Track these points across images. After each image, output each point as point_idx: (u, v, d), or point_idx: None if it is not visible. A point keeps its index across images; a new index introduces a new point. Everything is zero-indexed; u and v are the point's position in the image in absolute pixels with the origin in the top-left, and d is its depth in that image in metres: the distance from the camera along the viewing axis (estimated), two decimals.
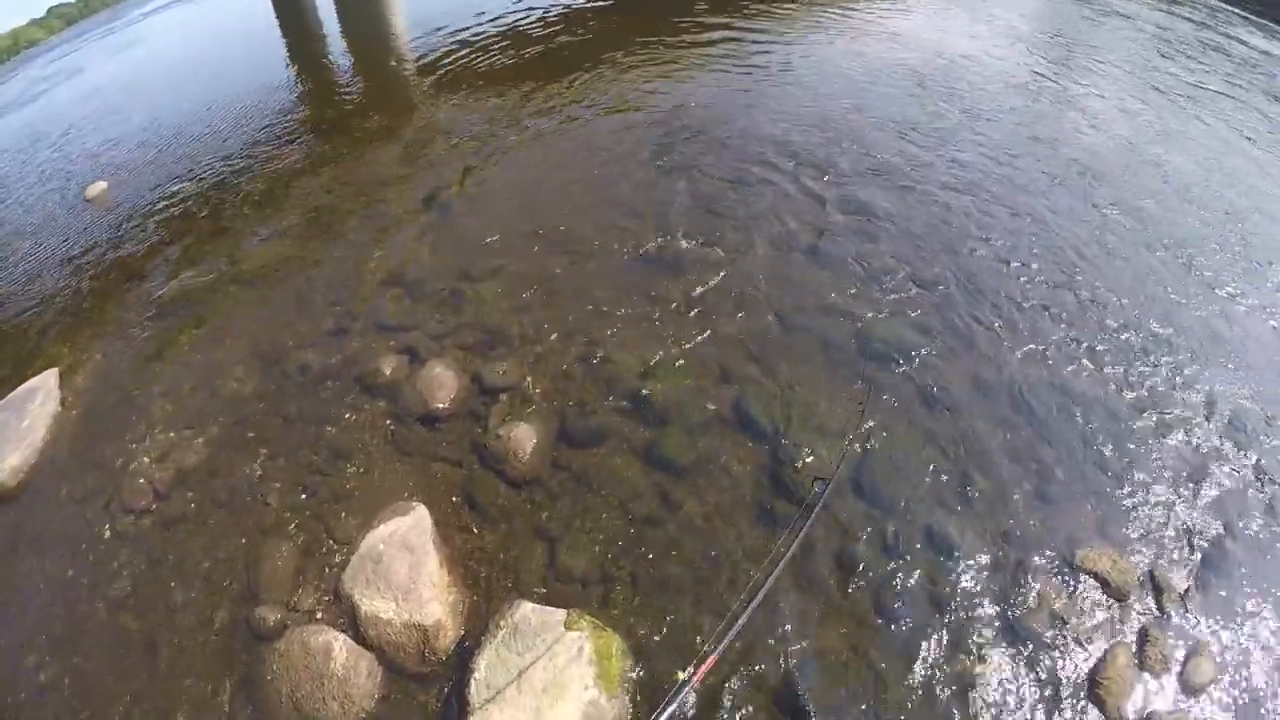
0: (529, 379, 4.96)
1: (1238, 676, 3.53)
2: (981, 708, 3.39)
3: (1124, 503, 4.18)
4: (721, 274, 5.68)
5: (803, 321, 5.24)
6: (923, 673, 3.50)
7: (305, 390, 5.13)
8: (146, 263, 6.86)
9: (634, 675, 3.52)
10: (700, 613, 3.70)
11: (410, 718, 3.51)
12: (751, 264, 5.78)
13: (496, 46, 10.97)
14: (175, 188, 7.97)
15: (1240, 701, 3.45)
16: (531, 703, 3.34)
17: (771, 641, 3.58)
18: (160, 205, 7.71)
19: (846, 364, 4.91)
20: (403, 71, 10.66)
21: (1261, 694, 3.47)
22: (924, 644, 3.58)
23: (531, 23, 11.88)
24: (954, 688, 3.45)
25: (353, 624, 3.78)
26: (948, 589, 3.78)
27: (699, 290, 5.54)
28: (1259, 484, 4.34)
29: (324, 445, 4.74)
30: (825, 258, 5.84)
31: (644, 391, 4.75)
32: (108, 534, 4.49)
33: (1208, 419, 4.67)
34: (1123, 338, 5.20)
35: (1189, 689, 3.45)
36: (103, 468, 4.87)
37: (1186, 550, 3.99)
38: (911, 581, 3.81)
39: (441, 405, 4.85)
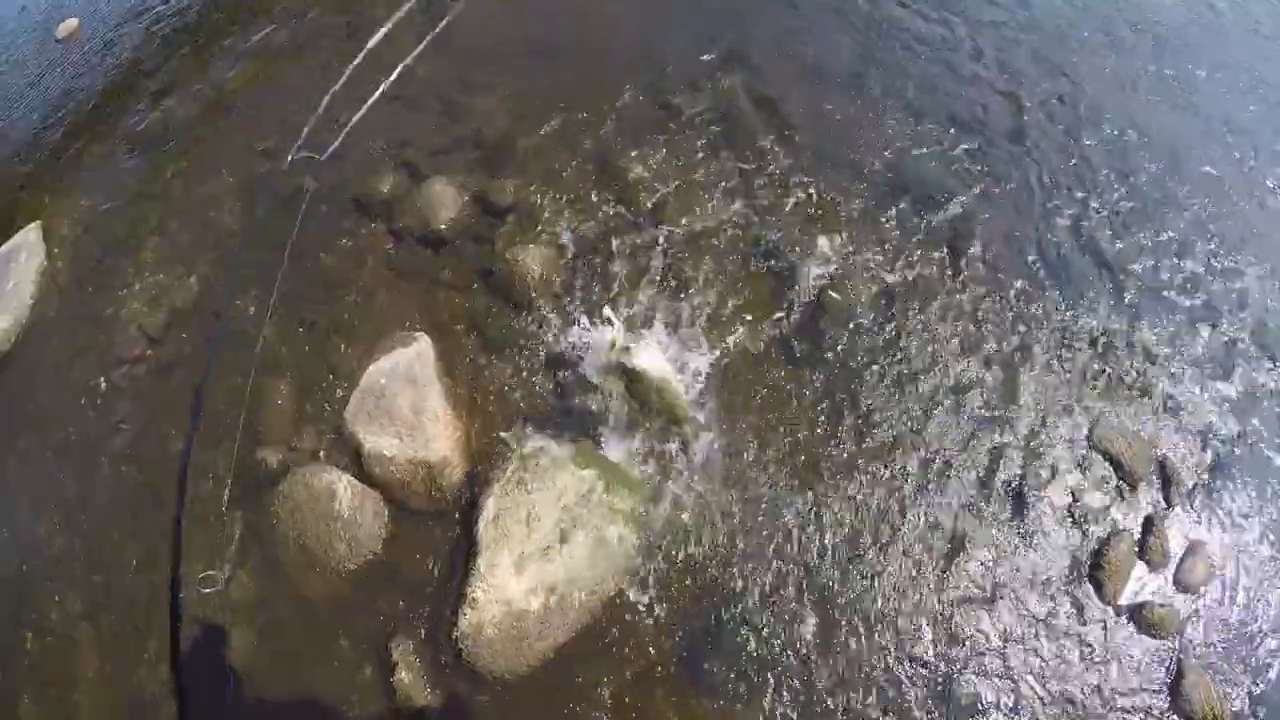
0: (537, 199, 4.37)
1: (1227, 583, 3.47)
2: None
3: (1145, 387, 3.87)
4: (739, 84, 4.93)
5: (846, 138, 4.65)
6: None
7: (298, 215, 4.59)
8: (125, 98, 6.19)
9: (643, 513, 3.28)
10: None
11: (418, 556, 3.28)
12: (781, 74, 5.01)
13: None
14: (152, 17, 7.16)
15: (1226, 607, 3.42)
16: (540, 540, 3.09)
17: None
18: (136, 37, 6.91)
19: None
20: None
21: (1246, 604, 3.43)
22: None
23: None
24: None
25: (356, 463, 3.50)
26: None
27: (718, 104, 4.83)
28: (1276, 395, 3.94)
29: (320, 273, 4.29)
30: (863, 84, 5.00)
31: (658, 209, 4.26)
32: (103, 387, 4.19)
33: (1240, 310, 4.12)
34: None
35: (1182, 585, 3.42)
36: (93, 320, 4.51)
37: (1200, 446, 3.73)
38: None
39: (444, 226, 4.32)
